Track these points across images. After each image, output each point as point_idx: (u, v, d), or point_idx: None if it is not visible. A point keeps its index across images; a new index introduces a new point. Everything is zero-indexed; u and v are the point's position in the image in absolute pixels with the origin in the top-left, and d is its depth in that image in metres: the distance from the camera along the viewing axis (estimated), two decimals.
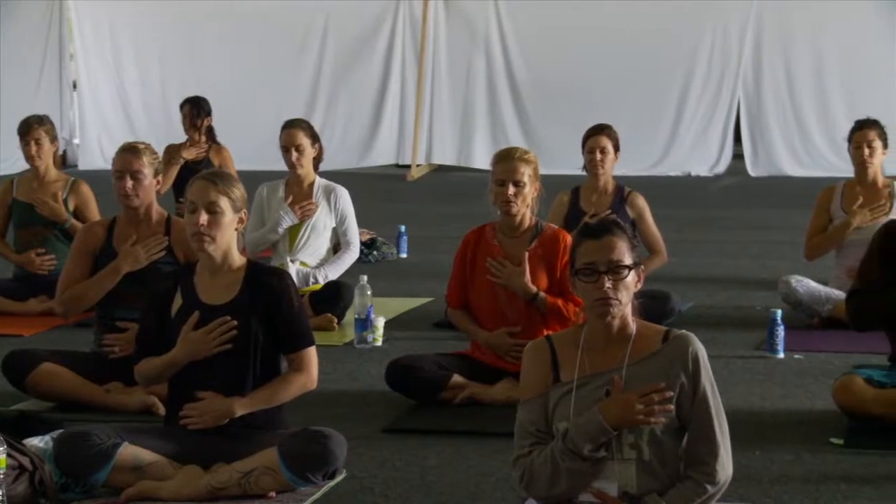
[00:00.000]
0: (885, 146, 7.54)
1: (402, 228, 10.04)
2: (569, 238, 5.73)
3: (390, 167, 16.63)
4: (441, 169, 16.54)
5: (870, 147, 7.47)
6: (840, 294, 6.91)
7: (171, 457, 4.48)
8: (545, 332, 5.52)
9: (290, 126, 7.54)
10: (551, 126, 15.87)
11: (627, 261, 3.68)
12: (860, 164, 7.50)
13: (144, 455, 4.44)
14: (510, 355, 5.70)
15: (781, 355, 6.55)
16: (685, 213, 12.20)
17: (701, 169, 15.93)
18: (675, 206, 12.24)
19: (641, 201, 7.52)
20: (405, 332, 7.24)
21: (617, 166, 7.61)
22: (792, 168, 15.65)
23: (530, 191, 5.73)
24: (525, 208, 5.75)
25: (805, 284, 7.27)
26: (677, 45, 15.87)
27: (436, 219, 12.03)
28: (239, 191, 4.57)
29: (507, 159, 5.74)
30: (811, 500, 4.48)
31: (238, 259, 4.58)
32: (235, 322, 4.47)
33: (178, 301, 4.57)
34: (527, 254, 5.72)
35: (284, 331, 4.55)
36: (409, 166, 16.26)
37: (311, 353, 4.61)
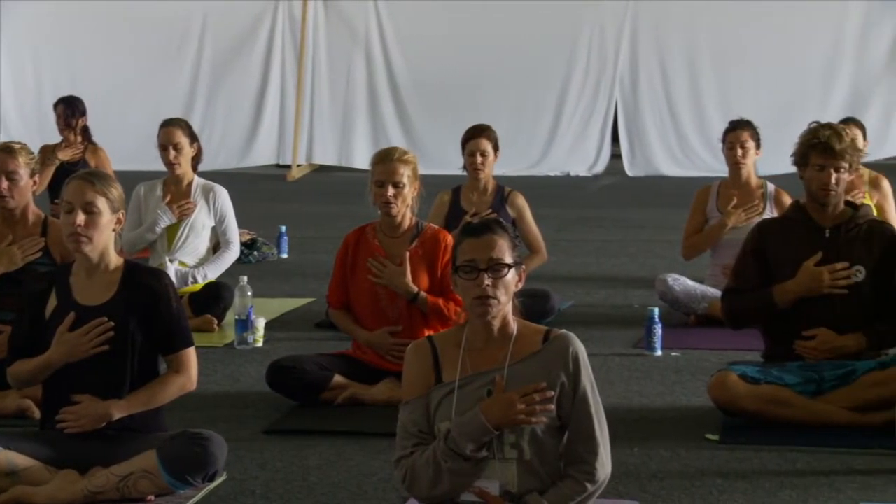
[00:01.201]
0: (758, 147, 7.67)
1: (283, 229, 10.00)
2: (449, 238, 5.75)
3: (270, 167, 16.54)
4: (322, 169, 16.49)
5: (743, 148, 7.59)
6: (715, 292, 7.02)
7: (47, 461, 4.40)
8: (426, 332, 5.56)
9: (168, 125, 7.47)
10: (431, 126, 15.92)
11: (508, 259, 3.70)
12: (734, 164, 7.63)
13: (19, 460, 4.36)
14: (391, 355, 5.71)
15: (659, 353, 6.63)
16: (564, 212, 12.31)
17: (580, 169, 16.09)
18: (555, 206, 12.35)
19: (521, 201, 7.57)
20: (286, 332, 7.20)
21: (497, 166, 7.66)
22: (668, 168, 15.88)
23: (410, 191, 5.74)
24: (405, 208, 5.76)
25: (681, 283, 7.37)
26: (555, 45, 16.02)
27: (316, 219, 11.99)
28: (116, 191, 4.50)
29: (386, 160, 5.74)
30: (688, 496, 4.54)
31: (115, 259, 4.52)
32: (112, 323, 4.41)
33: (52, 302, 4.50)
34: (407, 253, 5.73)
35: (163, 332, 4.49)
36: (289, 166, 16.19)
37: (191, 354, 4.56)
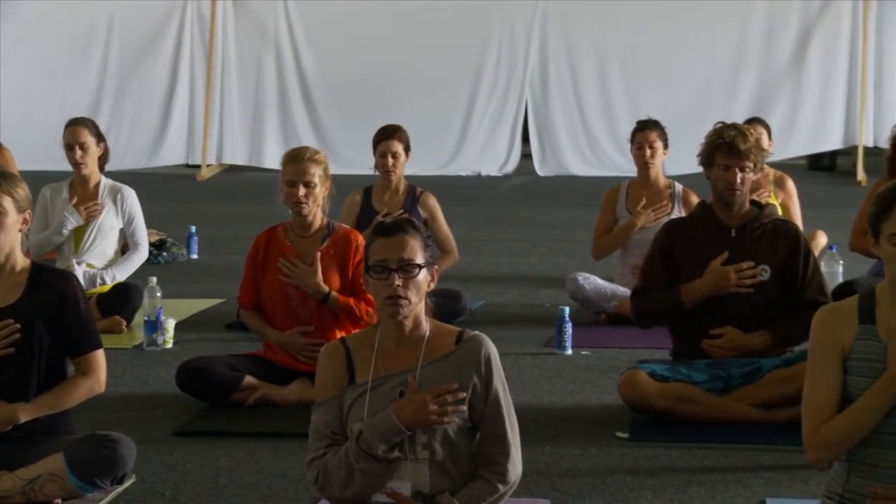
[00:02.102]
0: (666, 147, 7.74)
1: (193, 229, 9.92)
2: (360, 238, 5.75)
3: (180, 167, 16.41)
4: (232, 169, 16.39)
5: (651, 148, 7.66)
6: (625, 291, 7.08)
7: None
8: (337, 332, 5.56)
9: (74, 124, 7.39)
10: (342, 126, 15.87)
11: (419, 260, 3.70)
12: (642, 164, 7.69)
13: None
14: (303, 355, 5.70)
15: (569, 352, 6.68)
16: (476, 212, 12.35)
17: (491, 169, 16.14)
18: (466, 206, 12.39)
19: (433, 201, 7.58)
20: (196, 333, 7.15)
21: (408, 166, 7.66)
22: (578, 168, 15.96)
23: (321, 191, 5.74)
24: (316, 208, 5.75)
25: (592, 281, 7.42)
26: (466, 45, 16.04)
27: (227, 219, 11.92)
28: (23, 191, 4.44)
29: (297, 160, 5.72)
30: (598, 493, 4.58)
31: (21, 261, 4.46)
32: (18, 325, 4.35)
33: None
34: (319, 253, 5.72)
35: (71, 334, 4.44)
36: (199, 166, 16.07)
37: (99, 356, 4.51)
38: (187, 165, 16.41)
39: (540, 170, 16.01)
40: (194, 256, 9.80)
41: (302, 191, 5.68)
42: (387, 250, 3.69)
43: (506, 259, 9.84)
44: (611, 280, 7.57)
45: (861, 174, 14.94)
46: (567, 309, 6.73)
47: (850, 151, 15.75)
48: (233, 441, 5.17)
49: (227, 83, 16.31)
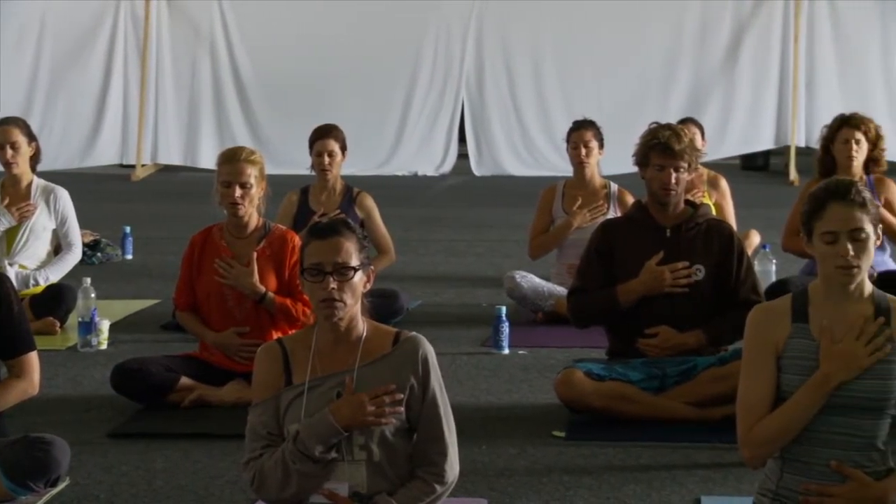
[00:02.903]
0: (602, 146, 7.78)
1: (127, 229, 9.85)
2: (297, 239, 5.73)
3: (114, 167, 16.28)
4: (167, 169, 16.29)
5: (586, 147, 7.70)
6: (562, 290, 7.11)
7: None
8: (274, 333, 5.55)
9: (5, 123, 7.34)
10: (278, 125, 15.82)
11: (354, 262, 3.69)
12: (578, 164, 7.73)
13: None
14: (239, 355, 5.68)
15: (506, 351, 6.69)
16: (413, 212, 12.35)
17: (427, 168, 16.14)
18: (403, 206, 12.38)
19: (370, 201, 7.57)
20: (131, 334, 7.10)
21: (345, 166, 7.65)
22: (514, 167, 16.00)
23: (257, 191, 5.72)
24: (252, 209, 5.73)
25: (529, 280, 7.44)
26: (401, 45, 16.04)
27: (162, 219, 11.84)
28: None
29: (233, 160, 5.70)
30: (535, 492, 4.60)
31: None
32: None
33: None
34: (255, 254, 5.70)
35: (3, 336, 4.39)
36: (133, 166, 15.95)
37: (32, 358, 4.47)
38: (121, 165, 16.29)
39: (476, 170, 16.03)
40: (129, 257, 9.72)
41: (238, 191, 5.66)
42: (321, 253, 3.68)
43: (442, 259, 9.85)
44: (547, 279, 7.60)
45: (793, 174, 15.09)
46: (504, 308, 6.75)
47: (782, 151, 15.91)
48: (168, 442, 5.14)
49: (161, 83, 16.20)
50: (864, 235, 3.61)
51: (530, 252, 7.88)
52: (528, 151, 16.06)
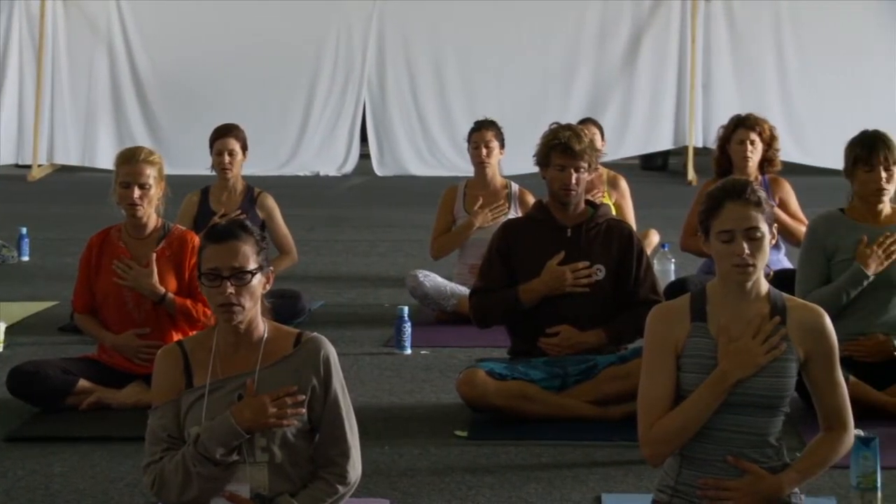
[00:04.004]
0: (503, 147, 7.81)
1: (24, 230, 9.72)
2: (196, 239, 5.69)
3: (9, 167, 16.05)
4: (64, 169, 16.08)
5: (487, 147, 7.73)
6: (464, 290, 7.13)
7: None
8: (174, 334, 5.51)
9: None
10: (178, 125, 15.69)
11: (251, 265, 3.67)
12: (479, 164, 7.75)
13: None
14: (139, 358, 5.63)
15: (408, 351, 6.70)
16: (314, 212, 12.31)
17: (329, 169, 16.11)
18: (305, 206, 12.34)
19: (271, 202, 7.54)
20: (28, 337, 7.00)
21: (246, 166, 7.61)
22: (416, 168, 16.03)
23: (156, 192, 5.67)
24: (151, 210, 5.68)
25: (432, 279, 7.45)
26: (303, 45, 15.98)
27: (59, 220, 11.69)
28: None
29: (131, 161, 5.64)
30: (437, 492, 4.61)
31: None
32: None
33: None
34: (154, 255, 5.65)
35: None
36: (29, 166, 15.73)
37: None
38: (17, 165, 16.06)
39: (378, 170, 16.03)
40: (25, 258, 9.59)
41: (136, 192, 5.60)
42: (218, 257, 3.66)
43: (344, 259, 9.83)
44: (450, 279, 7.62)
45: (692, 174, 15.27)
46: (406, 308, 6.75)
47: (681, 152, 16.10)
48: (66, 446, 5.08)
49: (58, 82, 15.99)
50: (759, 234, 3.67)
51: (432, 252, 7.89)
52: (429, 151, 16.09)
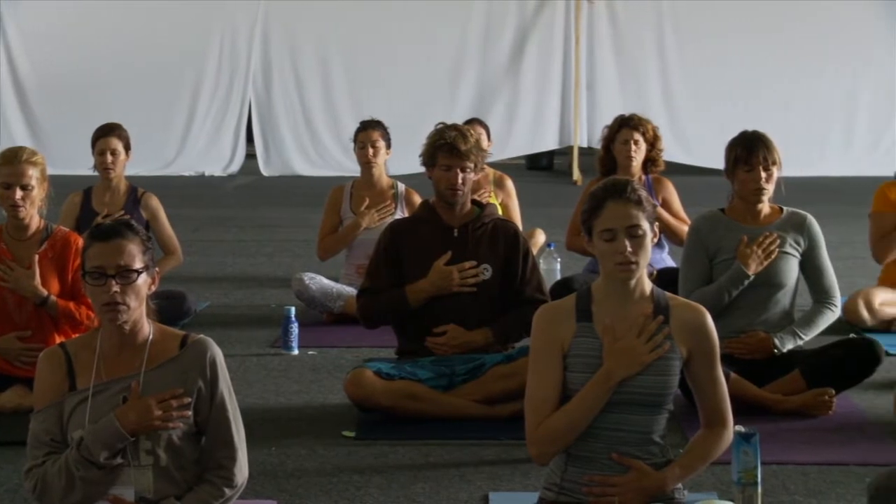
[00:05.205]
0: (389, 146, 7.81)
1: None
2: (80, 240, 5.61)
3: None
4: None
5: (374, 147, 7.73)
6: (351, 290, 7.12)
7: None
8: (57, 336, 5.43)
9: None
10: (59, 125, 15.47)
11: (137, 265, 3.64)
12: (365, 163, 7.75)
13: None
14: (20, 360, 5.54)
15: (296, 352, 6.68)
16: (200, 212, 12.22)
17: (215, 169, 16.00)
18: (190, 206, 12.24)
19: (155, 202, 7.45)
20: None
21: (129, 166, 7.52)
22: (303, 168, 15.98)
23: (38, 193, 5.58)
24: (33, 211, 5.60)
25: (318, 281, 7.43)
26: (187, 44, 15.85)
27: None
28: None
29: (13, 162, 5.56)
30: (325, 493, 4.60)
31: None
32: None
33: None
34: (36, 256, 5.57)
35: None
36: None
37: None
38: None
39: (264, 170, 15.96)
40: None
41: (18, 193, 5.52)
42: (103, 256, 3.62)
43: (231, 259, 9.77)
44: (336, 280, 7.60)
45: (577, 174, 15.41)
46: (293, 309, 6.73)
47: (566, 152, 16.25)
48: None
49: None
50: (640, 232, 3.72)
51: (319, 253, 7.87)
52: (316, 151, 16.06)
